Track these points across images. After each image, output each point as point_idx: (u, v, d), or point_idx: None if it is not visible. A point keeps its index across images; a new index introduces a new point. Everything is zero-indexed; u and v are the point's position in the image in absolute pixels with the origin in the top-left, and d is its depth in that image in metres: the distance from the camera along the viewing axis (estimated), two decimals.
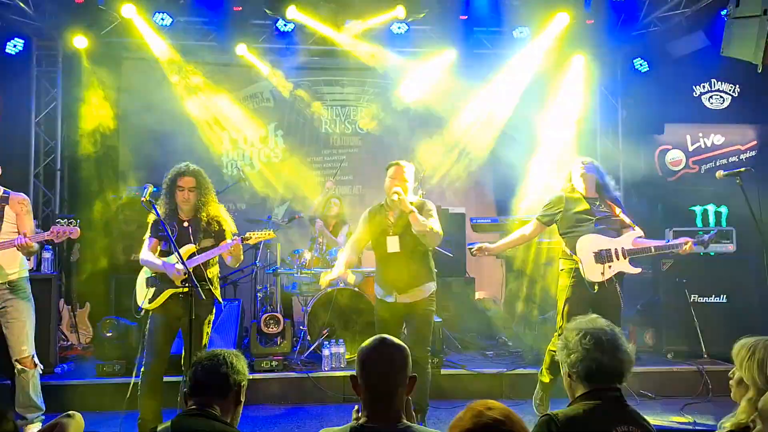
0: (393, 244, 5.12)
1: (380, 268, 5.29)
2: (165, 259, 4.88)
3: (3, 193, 5.03)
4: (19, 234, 4.89)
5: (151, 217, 4.92)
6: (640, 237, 5.36)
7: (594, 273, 5.21)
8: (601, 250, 5.22)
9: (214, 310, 5.02)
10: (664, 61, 8.58)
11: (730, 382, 2.90)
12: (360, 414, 2.39)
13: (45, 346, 5.96)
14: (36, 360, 5.03)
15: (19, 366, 4.93)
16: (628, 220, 5.38)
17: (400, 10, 7.92)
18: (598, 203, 5.42)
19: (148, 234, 5.02)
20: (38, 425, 4.95)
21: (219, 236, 4.98)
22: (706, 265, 7.19)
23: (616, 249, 5.24)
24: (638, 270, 5.30)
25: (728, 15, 4.91)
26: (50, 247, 6.81)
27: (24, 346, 4.94)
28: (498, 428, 1.93)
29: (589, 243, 5.25)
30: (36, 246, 4.96)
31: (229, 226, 5.06)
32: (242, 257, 5.16)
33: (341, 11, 8.03)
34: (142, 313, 4.97)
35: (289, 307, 7.88)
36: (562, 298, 5.31)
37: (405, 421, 2.36)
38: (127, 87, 9.12)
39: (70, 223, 4.81)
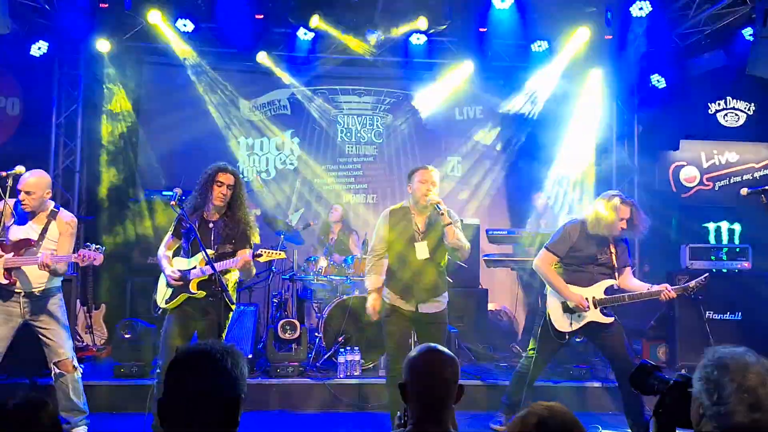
0: (422, 251, 4.84)
1: (400, 275, 4.93)
2: (175, 260, 4.90)
3: (54, 207, 4.95)
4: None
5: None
6: (615, 285, 5.12)
7: (562, 323, 5.07)
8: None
9: (230, 315, 4.92)
10: (681, 77, 8.55)
11: None
12: (404, 421, 2.40)
13: None
14: (76, 363, 4.93)
15: (57, 370, 4.83)
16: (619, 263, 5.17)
17: (422, 21, 7.92)
18: (604, 248, 5.15)
19: (170, 231, 5.01)
20: (83, 428, 4.91)
21: (240, 242, 4.88)
22: (721, 282, 7.19)
23: (586, 298, 5.02)
24: (610, 319, 5.02)
25: (755, 34, 4.92)
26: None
27: (61, 349, 4.86)
28: None
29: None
30: (60, 267, 4.76)
31: (255, 236, 4.95)
32: (253, 272, 5.09)
33: (364, 22, 8.05)
34: (159, 312, 4.93)
35: (302, 314, 7.92)
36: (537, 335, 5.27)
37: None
38: (147, 91, 9.22)
39: (97, 249, 4.69)
